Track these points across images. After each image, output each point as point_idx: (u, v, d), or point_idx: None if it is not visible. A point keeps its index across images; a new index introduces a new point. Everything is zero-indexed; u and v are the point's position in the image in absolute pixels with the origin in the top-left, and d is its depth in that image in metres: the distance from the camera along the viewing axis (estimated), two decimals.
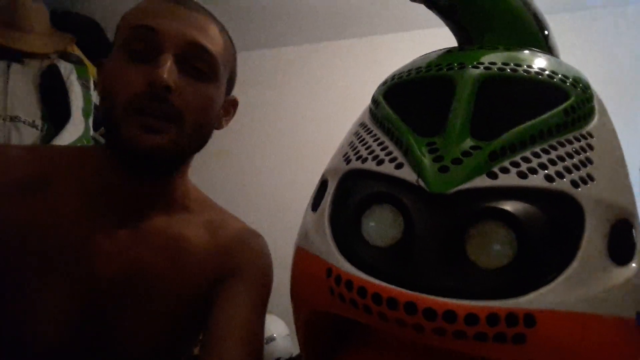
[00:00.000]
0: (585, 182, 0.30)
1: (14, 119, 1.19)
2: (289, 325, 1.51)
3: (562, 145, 0.31)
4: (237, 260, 0.54)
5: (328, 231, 0.34)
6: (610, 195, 0.31)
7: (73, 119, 1.29)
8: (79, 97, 1.33)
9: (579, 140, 0.32)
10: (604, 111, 0.37)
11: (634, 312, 0.29)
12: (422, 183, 0.30)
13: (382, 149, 0.34)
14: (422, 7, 0.44)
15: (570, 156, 0.31)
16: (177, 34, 0.46)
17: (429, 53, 0.42)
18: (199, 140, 0.51)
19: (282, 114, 2.00)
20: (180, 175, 0.54)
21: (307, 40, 2.01)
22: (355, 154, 0.36)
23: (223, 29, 0.52)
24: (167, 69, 0.44)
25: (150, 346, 0.52)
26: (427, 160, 0.31)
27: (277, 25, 1.92)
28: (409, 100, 0.37)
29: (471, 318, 0.26)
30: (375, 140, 0.36)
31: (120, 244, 0.49)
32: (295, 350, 1.52)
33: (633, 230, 0.31)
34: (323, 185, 0.38)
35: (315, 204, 0.38)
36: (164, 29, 0.45)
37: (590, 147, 0.32)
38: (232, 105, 0.57)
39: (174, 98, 0.45)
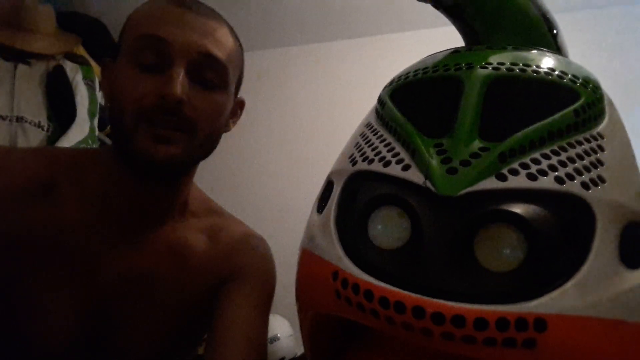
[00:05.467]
0: (596, 184, 0.29)
1: (20, 119, 1.20)
2: (293, 325, 1.51)
3: (573, 146, 0.31)
4: (239, 263, 0.54)
5: (334, 233, 0.33)
6: (622, 197, 0.30)
7: (79, 119, 1.30)
8: (84, 97, 1.34)
9: (589, 142, 0.31)
10: (614, 112, 0.36)
11: None
12: (429, 185, 0.29)
13: (389, 150, 0.34)
14: (429, 7, 0.44)
15: (581, 158, 0.30)
16: (187, 44, 0.45)
17: (436, 53, 0.42)
18: (210, 146, 0.51)
19: (287, 115, 2.00)
20: (186, 179, 0.54)
21: (313, 40, 2.00)
22: (362, 155, 0.36)
23: (231, 30, 0.52)
24: (180, 83, 0.43)
25: (155, 348, 0.52)
26: (434, 161, 0.30)
27: (282, 24, 1.92)
28: (416, 100, 0.37)
29: (480, 322, 0.26)
30: (381, 142, 0.35)
31: (123, 249, 0.50)
32: (299, 350, 1.51)
33: None
34: (329, 186, 0.38)
35: (321, 205, 0.38)
36: (174, 40, 0.44)
37: (601, 149, 0.31)
38: (239, 107, 0.57)
39: (186, 109, 0.45)
